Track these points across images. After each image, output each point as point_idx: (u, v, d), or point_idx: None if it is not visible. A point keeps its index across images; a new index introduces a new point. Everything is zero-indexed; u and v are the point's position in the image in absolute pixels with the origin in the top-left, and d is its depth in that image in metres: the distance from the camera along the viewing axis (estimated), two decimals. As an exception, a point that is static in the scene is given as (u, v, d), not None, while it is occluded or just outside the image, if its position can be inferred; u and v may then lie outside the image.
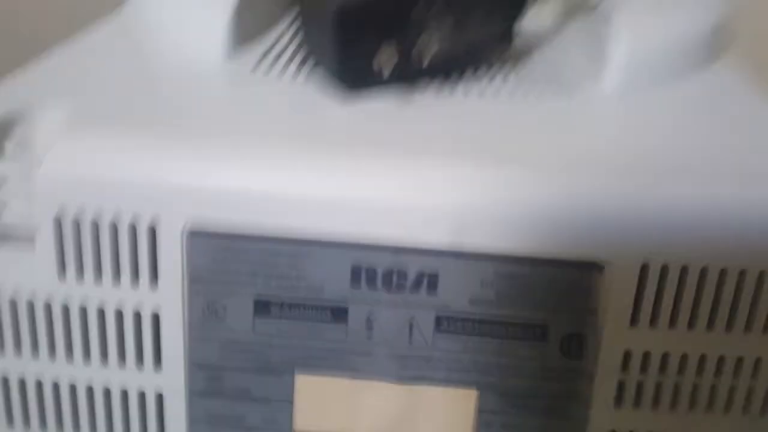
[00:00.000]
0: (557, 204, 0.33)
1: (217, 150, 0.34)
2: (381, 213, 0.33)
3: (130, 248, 0.34)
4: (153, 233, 0.34)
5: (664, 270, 0.32)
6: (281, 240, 0.34)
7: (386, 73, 0.38)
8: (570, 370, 0.34)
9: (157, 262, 0.34)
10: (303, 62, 0.43)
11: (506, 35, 0.42)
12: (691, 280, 0.32)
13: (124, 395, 0.36)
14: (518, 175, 0.33)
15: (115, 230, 0.34)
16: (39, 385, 0.36)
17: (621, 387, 0.34)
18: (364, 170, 0.33)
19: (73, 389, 0.36)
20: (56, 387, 0.36)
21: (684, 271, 0.32)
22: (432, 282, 0.34)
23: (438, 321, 0.34)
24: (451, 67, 0.41)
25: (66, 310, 0.35)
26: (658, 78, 0.42)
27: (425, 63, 0.39)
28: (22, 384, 0.36)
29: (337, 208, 0.33)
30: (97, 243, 0.34)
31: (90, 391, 0.36)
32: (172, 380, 0.35)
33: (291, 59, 0.44)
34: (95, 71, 0.41)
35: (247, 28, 0.44)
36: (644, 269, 0.32)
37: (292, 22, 0.49)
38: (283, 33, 0.48)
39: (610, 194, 0.33)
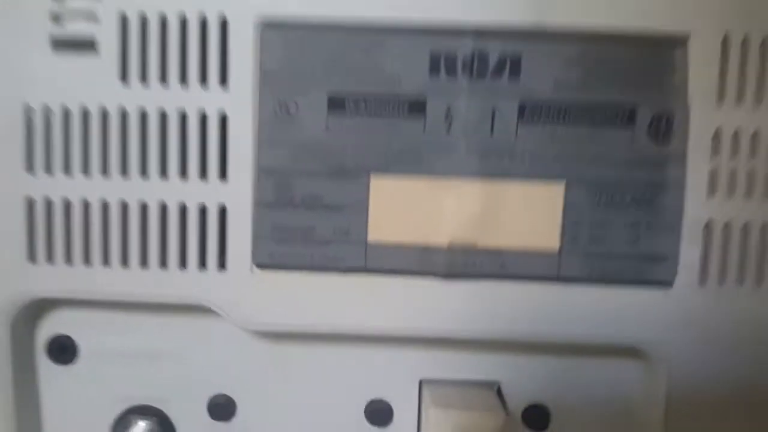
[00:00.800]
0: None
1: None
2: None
3: (199, 46, 0.34)
4: (223, 29, 0.34)
5: (745, 42, 0.34)
6: (356, 30, 0.34)
7: None
8: (660, 155, 0.35)
9: (227, 59, 0.34)
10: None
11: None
12: (773, 53, 0.34)
13: (183, 210, 0.36)
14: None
15: (183, 28, 0.34)
16: (86, 206, 0.36)
17: (713, 174, 0.36)
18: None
19: (125, 207, 0.36)
20: (106, 207, 0.36)
21: (764, 44, 0.34)
22: (515, 66, 0.35)
23: (522, 109, 0.35)
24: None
25: (124, 118, 0.35)
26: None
27: None
28: (67, 205, 0.36)
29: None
30: (164, 42, 0.34)
31: (144, 208, 0.36)
32: (237, 190, 0.35)
33: None
34: None
35: None
36: (726, 42, 0.35)
37: None
38: None
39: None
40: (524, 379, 0.38)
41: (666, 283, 0.35)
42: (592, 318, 0.36)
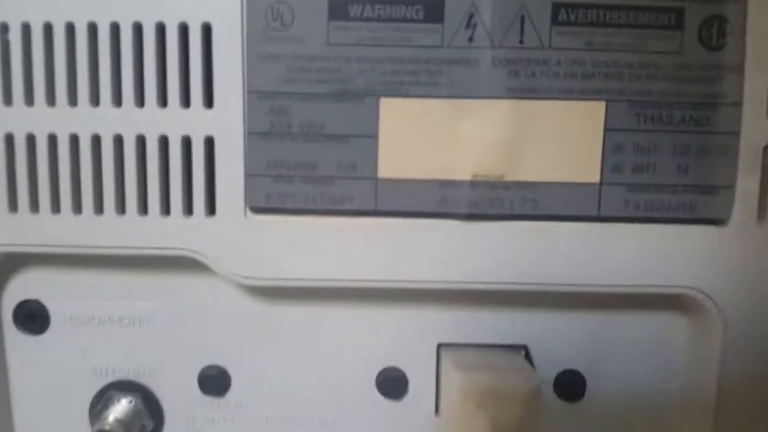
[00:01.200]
0: None
1: None
2: None
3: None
4: None
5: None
6: None
7: None
8: (712, 65, 0.29)
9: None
10: None
11: None
12: None
13: (163, 142, 0.29)
14: None
15: None
16: (51, 141, 0.29)
17: (774, 87, 0.29)
18: None
19: (96, 142, 0.29)
20: (74, 141, 0.30)
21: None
22: (545, -40, 0.28)
23: (555, 9, 0.28)
24: None
25: (93, 30, 0.29)
26: None
27: None
28: (30, 141, 0.29)
29: None
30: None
31: (118, 142, 0.29)
32: (225, 118, 0.29)
33: None
34: None
35: None
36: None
37: None
38: None
39: None
40: (556, 342, 0.32)
41: (720, 219, 0.29)
42: (636, 262, 0.30)
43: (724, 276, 0.29)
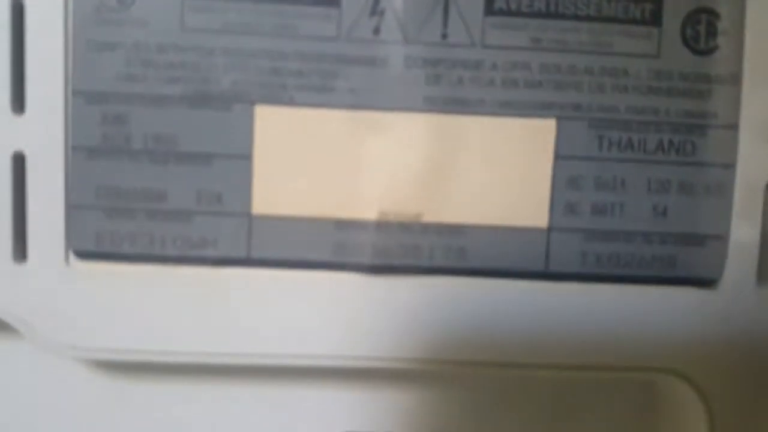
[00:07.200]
0: None
1: None
2: None
3: None
4: None
5: None
6: None
7: None
8: (699, 73, 0.21)
9: None
10: None
11: None
12: None
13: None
14: None
15: None
16: None
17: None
18: None
19: None
20: None
21: None
22: (477, -72, 0.20)
23: (490, -5, 0.21)
24: None
25: None
26: None
27: None
28: None
29: None
30: None
31: None
32: (40, 126, 0.21)
33: None
34: None
35: None
36: None
37: None
38: None
39: None
40: None
41: (708, 279, 0.22)
42: (594, 334, 0.22)
43: (711, 355, 0.22)
